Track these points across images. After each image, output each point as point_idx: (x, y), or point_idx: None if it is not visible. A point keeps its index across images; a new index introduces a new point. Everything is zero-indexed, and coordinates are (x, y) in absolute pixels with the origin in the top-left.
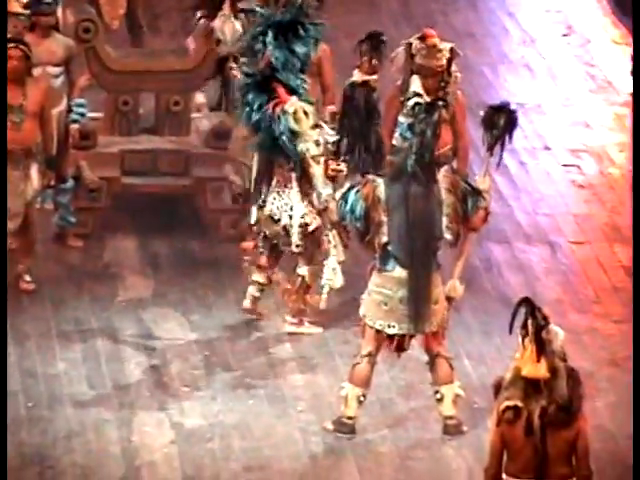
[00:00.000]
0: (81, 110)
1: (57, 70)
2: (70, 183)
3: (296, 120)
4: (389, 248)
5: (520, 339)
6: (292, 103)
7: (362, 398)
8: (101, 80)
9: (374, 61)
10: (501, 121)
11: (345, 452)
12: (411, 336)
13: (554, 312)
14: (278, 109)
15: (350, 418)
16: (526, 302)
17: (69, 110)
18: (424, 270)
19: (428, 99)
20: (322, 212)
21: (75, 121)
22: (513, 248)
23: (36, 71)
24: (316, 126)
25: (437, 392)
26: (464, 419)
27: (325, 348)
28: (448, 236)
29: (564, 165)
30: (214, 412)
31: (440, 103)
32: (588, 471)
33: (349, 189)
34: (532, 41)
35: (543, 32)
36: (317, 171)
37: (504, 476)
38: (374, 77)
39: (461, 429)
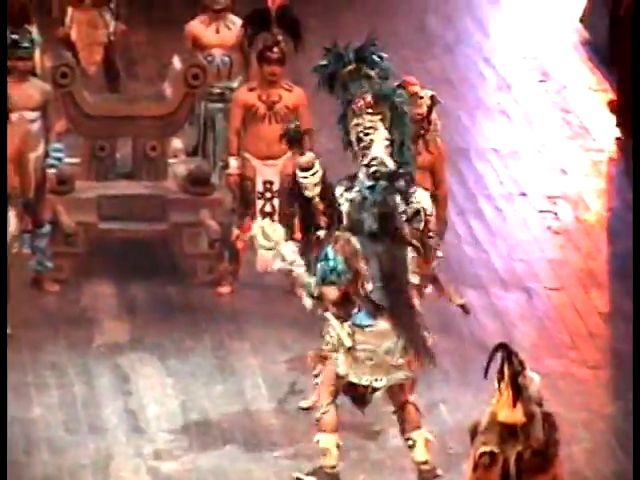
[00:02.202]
0: (58, 155)
1: (34, 115)
2: (47, 228)
3: (265, 237)
4: (372, 297)
5: (496, 384)
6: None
7: (339, 444)
8: (78, 125)
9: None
10: None
11: None
12: (374, 389)
13: (530, 357)
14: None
15: (333, 467)
16: (502, 347)
17: (46, 155)
18: (407, 311)
19: (391, 166)
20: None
21: (52, 166)
22: (489, 294)
23: (13, 116)
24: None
25: (408, 439)
26: (440, 464)
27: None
28: (415, 280)
29: (540, 211)
30: (190, 457)
31: (402, 171)
32: None
33: (324, 248)
34: (508, 87)
35: (519, 78)
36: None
37: None
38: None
39: (436, 473)
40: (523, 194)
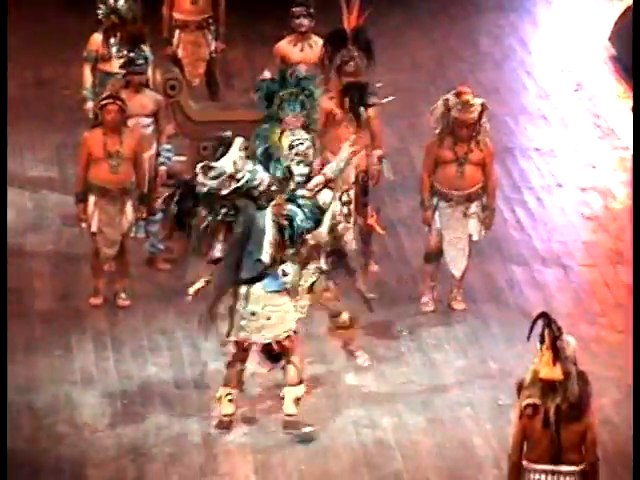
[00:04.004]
0: (168, 154)
1: (147, 121)
2: (159, 215)
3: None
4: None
5: (538, 346)
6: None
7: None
8: (184, 129)
9: None
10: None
11: (393, 444)
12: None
13: (567, 324)
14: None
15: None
16: (543, 315)
17: (158, 154)
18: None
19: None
20: None
21: (163, 164)
22: (532, 269)
23: (130, 122)
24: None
25: (281, 392)
26: (489, 413)
27: None
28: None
29: (574, 200)
30: (279, 408)
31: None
32: (595, 458)
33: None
34: (547, 96)
35: (556, 88)
36: None
37: (525, 462)
38: None
39: (298, 427)
40: (560, 186)
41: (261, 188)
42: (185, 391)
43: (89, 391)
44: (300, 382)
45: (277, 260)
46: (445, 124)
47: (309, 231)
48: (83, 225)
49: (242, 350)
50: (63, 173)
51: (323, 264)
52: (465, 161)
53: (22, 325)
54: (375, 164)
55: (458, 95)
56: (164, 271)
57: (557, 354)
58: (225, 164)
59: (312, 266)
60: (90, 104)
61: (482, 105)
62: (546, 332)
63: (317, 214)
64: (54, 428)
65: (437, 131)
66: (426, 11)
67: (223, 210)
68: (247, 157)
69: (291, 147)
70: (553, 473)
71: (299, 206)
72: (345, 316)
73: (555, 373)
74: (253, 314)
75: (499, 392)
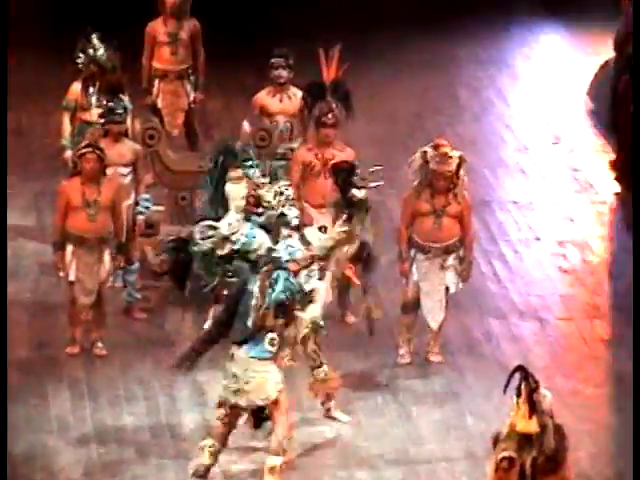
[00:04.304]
0: (146, 204)
1: (126, 170)
2: (136, 265)
3: None
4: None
5: (515, 399)
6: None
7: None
8: (163, 179)
9: None
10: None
11: None
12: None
13: (543, 377)
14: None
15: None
16: (520, 369)
17: (136, 204)
18: None
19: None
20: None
21: (141, 213)
22: (509, 322)
23: (109, 171)
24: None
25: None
26: (467, 467)
27: None
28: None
29: (552, 254)
30: (258, 457)
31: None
32: None
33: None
34: (525, 148)
35: (535, 141)
36: None
37: None
38: None
39: None
40: (538, 239)
41: (259, 252)
42: (161, 440)
43: (65, 439)
44: (279, 453)
45: (264, 327)
46: (423, 176)
47: (286, 303)
48: (60, 274)
49: (229, 409)
50: (41, 221)
51: (320, 320)
52: (443, 214)
53: None
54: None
55: (436, 147)
56: (141, 320)
57: (533, 407)
58: (221, 225)
59: (307, 316)
60: (69, 153)
61: (460, 157)
62: (522, 385)
63: (296, 290)
64: (30, 476)
65: (415, 183)
66: (405, 64)
67: (219, 271)
68: (246, 219)
69: (280, 193)
70: None
71: (286, 277)
72: (326, 368)
73: (531, 426)
74: (234, 376)
75: (475, 445)
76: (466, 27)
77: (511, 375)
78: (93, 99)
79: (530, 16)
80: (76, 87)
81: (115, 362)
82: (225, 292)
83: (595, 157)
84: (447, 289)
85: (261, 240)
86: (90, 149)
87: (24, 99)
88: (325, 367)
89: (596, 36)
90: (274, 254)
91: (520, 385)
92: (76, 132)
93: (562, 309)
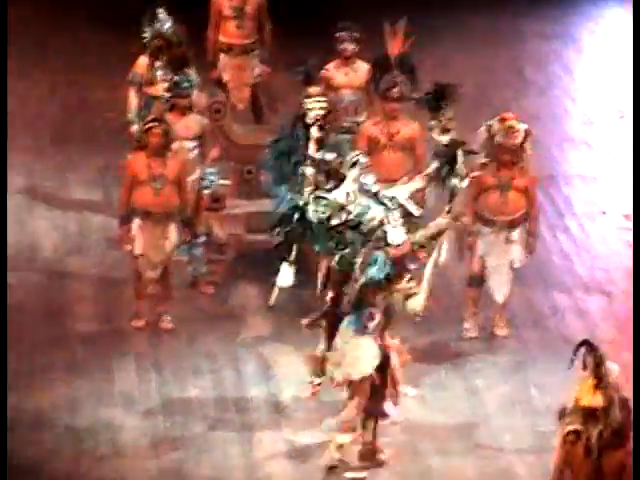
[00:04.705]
0: (212, 178)
1: (192, 144)
2: (202, 239)
3: None
4: None
5: (581, 373)
6: None
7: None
8: (229, 152)
9: None
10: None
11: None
12: None
13: (609, 351)
14: None
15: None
16: (586, 342)
17: (202, 178)
18: None
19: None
20: None
21: (207, 187)
22: (574, 296)
23: (174, 145)
24: None
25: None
26: (533, 441)
27: None
28: None
29: (617, 227)
30: (320, 432)
31: None
32: None
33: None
34: (591, 123)
35: (601, 115)
36: None
37: None
38: None
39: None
40: (603, 213)
41: (372, 224)
42: (227, 414)
43: (130, 413)
44: (349, 431)
45: (363, 301)
46: (489, 150)
47: (382, 284)
48: (127, 248)
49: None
50: (107, 196)
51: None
52: (509, 187)
53: (64, 347)
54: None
55: (501, 121)
56: (207, 294)
57: (600, 381)
58: (338, 195)
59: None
60: (135, 127)
61: (526, 131)
62: (589, 359)
63: (392, 274)
64: (95, 450)
65: (482, 158)
66: (470, 38)
67: (331, 240)
68: (363, 190)
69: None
70: None
71: (384, 260)
72: (396, 342)
73: (596, 400)
74: (335, 349)
75: (541, 419)
76: (531, 1)
77: (577, 349)
78: (159, 73)
79: None
80: (142, 61)
81: (181, 336)
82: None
83: None
84: (512, 263)
85: (375, 212)
86: (156, 123)
87: (90, 74)
88: (395, 340)
89: None
90: (378, 234)
91: (586, 359)
92: (142, 106)
93: (628, 283)
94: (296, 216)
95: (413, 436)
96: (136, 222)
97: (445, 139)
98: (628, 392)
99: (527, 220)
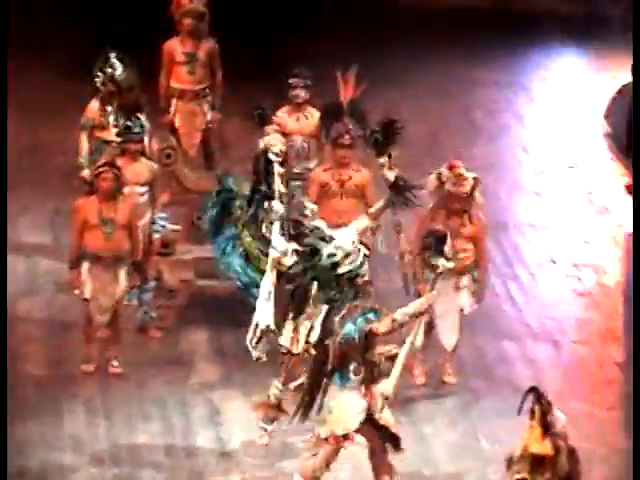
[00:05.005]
0: (162, 223)
1: (143, 189)
2: (152, 284)
3: None
4: None
5: (529, 421)
6: None
7: None
8: (179, 198)
9: None
10: (434, 246)
11: None
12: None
13: (557, 400)
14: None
15: None
16: (533, 390)
17: (152, 222)
18: None
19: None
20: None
21: (157, 232)
22: (523, 345)
23: (125, 190)
24: None
25: None
26: None
27: None
28: None
29: (567, 276)
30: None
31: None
32: None
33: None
34: (542, 172)
35: (551, 164)
36: None
37: None
38: None
39: None
40: (553, 261)
41: (364, 279)
42: (176, 460)
43: (80, 457)
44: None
45: (348, 356)
46: (438, 197)
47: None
48: (76, 292)
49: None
50: (57, 239)
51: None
52: (457, 235)
53: (13, 390)
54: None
55: (451, 168)
56: (156, 339)
57: (547, 429)
58: (344, 243)
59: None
60: (86, 171)
61: (474, 179)
62: (536, 407)
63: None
64: None
65: (430, 205)
66: (421, 86)
67: (332, 291)
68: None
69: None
70: None
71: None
72: None
73: (545, 448)
74: (321, 407)
75: (489, 467)
76: (483, 49)
77: (525, 396)
78: (111, 118)
79: (547, 39)
80: (94, 105)
81: (130, 380)
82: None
83: (611, 180)
84: (461, 310)
85: (366, 268)
86: (107, 167)
87: (41, 116)
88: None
89: (613, 59)
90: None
91: (534, 407)
92: (93, 150)
93: (577, 332)
94: (317, 258)
95: None
96: (85, 266)
97: (392, 175)
98: (576, 441)
99: (476, 268)
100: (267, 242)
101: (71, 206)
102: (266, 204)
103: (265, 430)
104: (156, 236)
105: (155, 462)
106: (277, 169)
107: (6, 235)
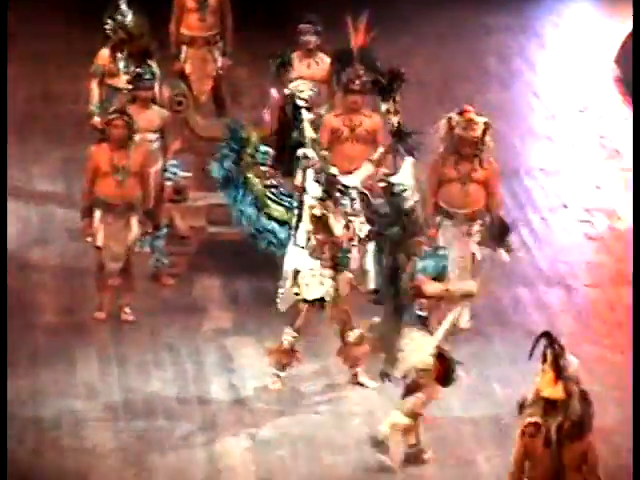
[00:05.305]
0: (174, 170)
1: (154, 136)
2: (164, 231)
3: None
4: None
5: (541, 365)
6: None
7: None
8: (191, 145)
9: None
10: (495, 233)
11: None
12: None
13: (569, 343)
14: None
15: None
16: (546, 335)
17: (164, 170)
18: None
19: (408, 186)
20: None
21: (169, 179)
22: (536, 290)
23: (137, 137)
24: None
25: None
26: (493, 434)
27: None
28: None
29: (579, 221)
30: (283, 423)
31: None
32: (596, 478)
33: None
34: (553, 117)
35: (563, 109)
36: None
37: None
38: None
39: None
40: (565, 206)
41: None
42: (188, 406)
43: (93, 405)
44: (410, 415)
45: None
46: (449, 143)
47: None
48: (88, 239)
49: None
50: (69, 187)
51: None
52: (468, 180)
53: (26, 338)
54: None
55: (461, 114)
56: (169, 286)
57: (559, 373)
58: (405, 180)
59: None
60: (97, 119)
61: (485, 124)
62: (548, 351)
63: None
64: (58, 441)
65: (441, 150)
66: (434, 32)
67: (395, 228)
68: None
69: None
70: None
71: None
72: (357, 332)
73: (557, 392)
74: (391, 345)
75: (502, 411)
76: None
77: (537, 341)
78: (121, 65)
79: None
80: (104, 53)
81: (143, 328)
82: None
83: (622, 124)
84: (474, 256)
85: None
86: (118, 115)
87: (52, 65)
88: (356, 331)
89: (624, 3)
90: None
91: (546, 351)
92: (104, 98)
93: (589, 276)
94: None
95: (372, 429)
96: (98, 214)
97: (396, 120)
98: (588, 385)
99: (488, 213)
100: (277, 190)
101: (83, 154)
102: (300, 152)
103: (278, 376)
104: (168, 183)
105: (168, 409)
106: (306, 115)
107: (6, 185)
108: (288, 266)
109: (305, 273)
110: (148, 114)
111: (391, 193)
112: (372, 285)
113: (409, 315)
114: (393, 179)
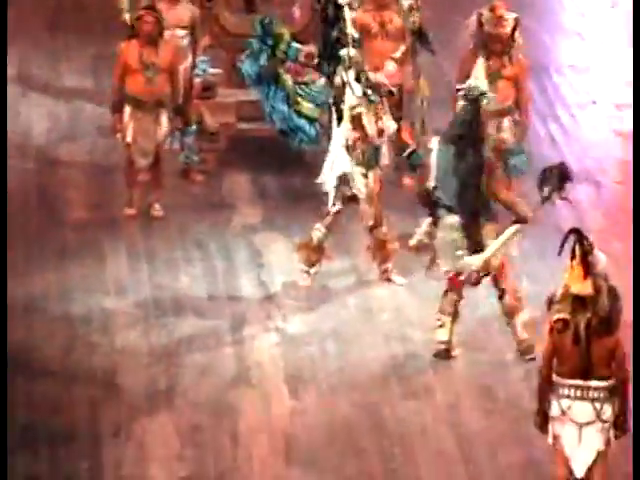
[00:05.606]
0: (204, 66)
1: (183, 32)
2: (194, 127)
3: None
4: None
5: (570, 261)
6: None
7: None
8: (220, 41)
9: None
10: (554, 178)
11: (424, 357)
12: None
13: (598, 240)
14: None
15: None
16: (575, 231)
17: (193, 66)
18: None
19: (484, 90)
20: None
21: (198, 75)
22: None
23: (166, 33)
24: None
25: (508, 323)
26: None
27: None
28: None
29: (608, 117)
30: (312, 319)
31: (486, 96)
32: (625, 373)
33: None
34: (583, 13)
35: (593, 5)
36: None
37: (555, 377)
38: None
39: (532, 350)
40: (594, 102)
41: None
42: (217, 303)
43: (122, 301)
44: (520, 307)
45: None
46: (478, 39)
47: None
48: (118, 135)
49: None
50: (99, 84)
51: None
52: (497, 76)
53: (55, 234)
54: (410, 79)
55: (491, 10)
56: (198, 182)
57: (588, 269)
58: (480, 83)
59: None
60: (127, 15)
61: (515, 20)
62: (577, 247)
63: None
64: (88, 337)
65: (471, 46)
66: None
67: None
68: None
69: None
70: (582, 388)
71: None
72: (385, 229)
73: (586, 288)
74: (452, 241)
75: (531, 307)
76: None
77: (566, 237)
78: None
79: None
80: None
81: (172, 224)
82: None
83: None
84: None
85: None
86: (148, 11)
87: None
88: (384, 228)
89: None
90: None
91: (574, 247)
92: None
93: (617, 172)
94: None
95: (400, 325)
96: (127, 110)
97: (417, 16)
98: (616, 281)
99: (517, 109)
100: (307, 87)
101: (113, 51)
102: (343, 51)
103: (307, 273)
104: (197, 80)
105: (197, 306)
106: (348, 14)
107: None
108: (335, 167)
109: (354, 171)
110: (178, 10)
111: (468, 98)
112: (433, 183)
113: (486, 215)
114: (470, 82)
